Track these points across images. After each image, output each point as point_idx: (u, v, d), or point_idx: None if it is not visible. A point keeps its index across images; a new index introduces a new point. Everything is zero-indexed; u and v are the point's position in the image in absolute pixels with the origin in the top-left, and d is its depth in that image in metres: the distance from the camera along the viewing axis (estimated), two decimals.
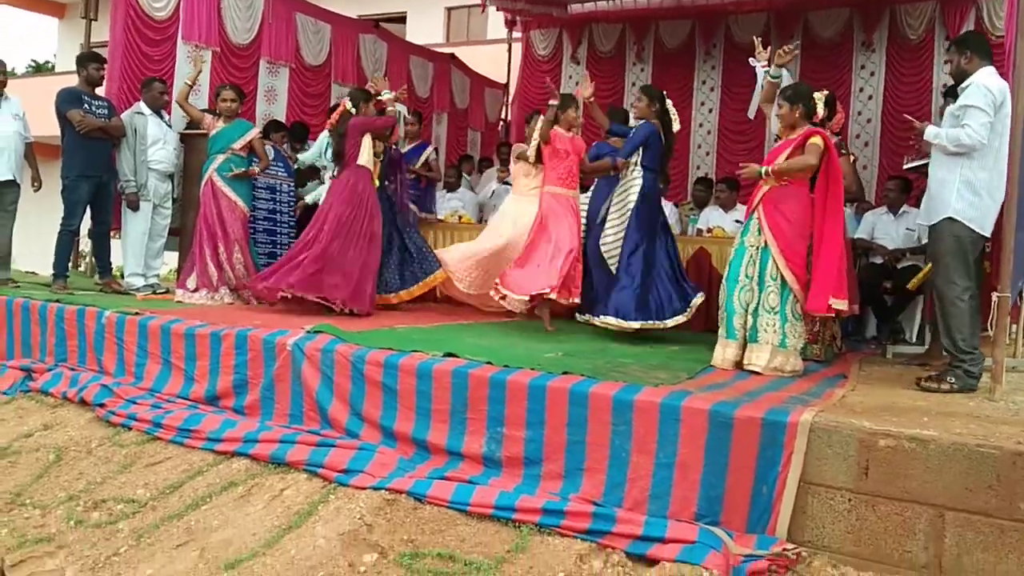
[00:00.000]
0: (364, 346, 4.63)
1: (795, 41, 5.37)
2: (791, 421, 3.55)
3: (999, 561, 3.20)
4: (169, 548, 3.81)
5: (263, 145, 7.09)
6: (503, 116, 12.02)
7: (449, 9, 15.61)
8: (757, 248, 4.82)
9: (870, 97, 9.61)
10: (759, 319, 4.75)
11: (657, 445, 3.76)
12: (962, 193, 4.45)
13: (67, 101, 6.64)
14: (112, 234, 7.22)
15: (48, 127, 8.32)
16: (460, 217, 8.41)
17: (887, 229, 7.17)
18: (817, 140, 4.73)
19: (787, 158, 4.78)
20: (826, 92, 4.98)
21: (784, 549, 3.40)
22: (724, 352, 4.90)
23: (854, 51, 9.70)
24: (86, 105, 6.68)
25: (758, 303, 4.77)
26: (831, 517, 3.49)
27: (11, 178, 6.86)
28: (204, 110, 7.21)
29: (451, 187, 9.21)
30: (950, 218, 4.47)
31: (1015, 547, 3.18)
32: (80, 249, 8.35)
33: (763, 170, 4.74)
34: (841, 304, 4.67)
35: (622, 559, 3.51)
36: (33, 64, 25.66)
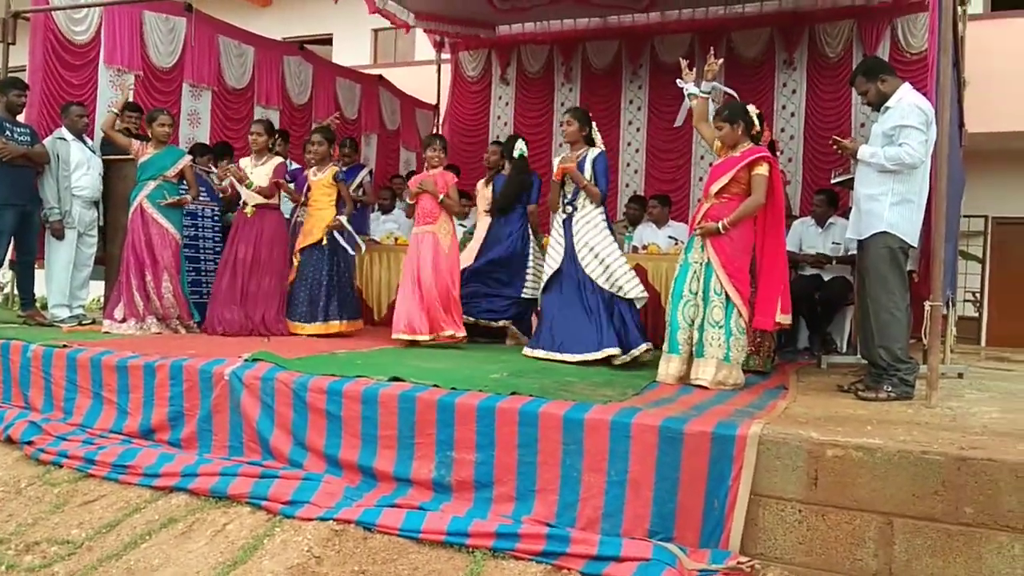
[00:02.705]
0: (305, 373, 4.53)
1: (719, 60, 5.42)
2: (740, 434, 3.58)
3: (947, 565, 3.26)
4: None
5: (193, 172, 6.93)
6: None
7: (376, 30, 15.52)
8: (701, 264, 4.88)
9: (792, 114, 9.88)
10: (705, 334, 4.81)
11: (608, 463, 3.75)
12: (895, 207, 4.59)
13: None
14: (35, 264, 6.96)
15: None
16: (396, 239, 8.34)
17: (813, 241, 7.35)
18: (763, 171, 4.82)
19: (732, 178, 4.86)
20: (757, 111, 5.08)
21: (738, 562, 3.43)
22: (668, 367, 4.94)
23: (776, 69, 9.97)
24: (7, 132, 6.44)
25: (703, 318, 4.83)
26: (782, 528, 3.52)
27: None
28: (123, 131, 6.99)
29: (386, 209, 9.14)
30: (884, 231, 4.60)
31: (962, 551, 3.25)
32: None
33: (720, 225, 4.80)
34: (786, 319, 4.81)
35: None
36: None
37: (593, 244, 5.76)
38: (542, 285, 6.11)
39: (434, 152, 6.49)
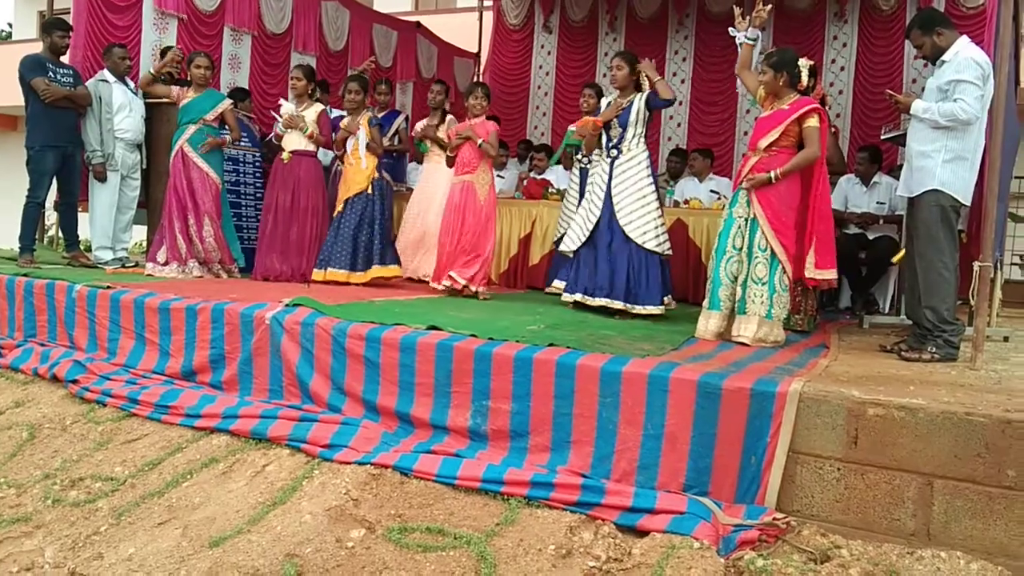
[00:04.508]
0: (345, 319, 4.56)
1: (767, 6, 5.27)
2: (780, 391, 3.55)
3: (987, 528, 3.23)
4: (151, 526, 3.73)
5: (234, 116, 6.94)
6: None
7: None
8: (745, 219, 4.81)
9: (842, 68, 9.63)
10: (747, 290, 4.75)
11: (645, 416, 3.75)
12: (948, 164, 4.48)
13: (31, 69, 6.43)
14: (79, 207, 7.04)
15: (3, 97, 8.09)
16: None
17: (858, 200, 7.22)
18: (814, 123, 4.72)
19: (783, 132, 4.76)
20: (810, 62, 4.95)
21: (774, 519, 3.41)
22: (707, 323, 4.90)
23: (826, 22, 9.70)
24: (50, 73, 6.48)
25: (747, 274, 4.77)
26: (820, 486, 3.50)
27: None
28: (157, 76, 6.99)
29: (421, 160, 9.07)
30: (935, 189, 4.49)
31: (1002, 514, 3.21)
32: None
33: (772, 175, 4.71)
34: (823, 275, 4.76)
35: (612, 530, 3.50)
36: None
37: (632, 191, 5.68)
38: (584, 230, 5.91)
39: (476, 100, 6.43)
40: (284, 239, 6.80)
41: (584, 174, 6.55)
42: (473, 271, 6.24)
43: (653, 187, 5.74)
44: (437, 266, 6.43)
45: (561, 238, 6.72)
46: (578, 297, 5.79)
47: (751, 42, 5.23)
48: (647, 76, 5.76)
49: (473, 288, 6.24)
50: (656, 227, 5.65)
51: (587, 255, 5.79)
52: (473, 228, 6.26)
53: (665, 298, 5.76)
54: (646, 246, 5.60)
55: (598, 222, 5.74)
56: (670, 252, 5.82)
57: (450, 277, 6.25)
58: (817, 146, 4.71)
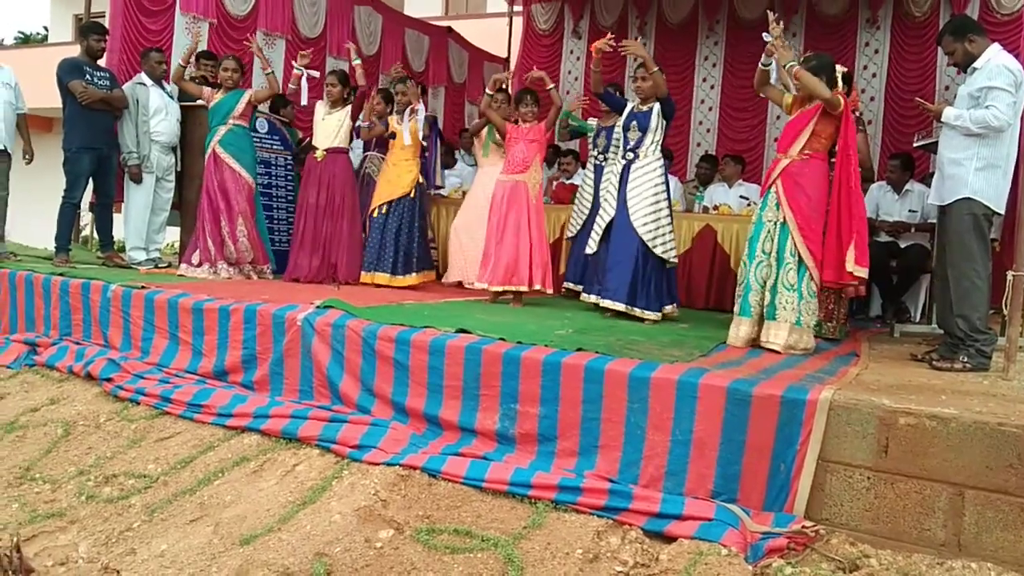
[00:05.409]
0: (375, 322, 4.60)
1: (785, 28, 5.26)
2: (810, 399, 3.54)
3: (1019, 540, 3.20)
4: (182, 523, 3.78)
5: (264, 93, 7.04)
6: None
7: None
8: (775, 223, 4.78)
9: (874, 75, 9.57)
10: (777, 296, 4.72)
11: (673, 422, 3.74)
12: (980, 172, 4.44)
13: (68, 72, 6.54)
14: (114, 208, 7.14)
15: (39, 99, 8.21)
16: (463, 192, 8.34)
17: (890, 208, 7.15)
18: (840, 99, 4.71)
19: (813, 132, 4.73)
20: (844, 69, 4.93)
21: (803, 527, 3.40)
22: (738, 330, 4.88)
23: (858, 28, 9.65)
24: (87, 76, 6.59)
25: (776, 279, 4.75)
26: (849, 495, 3.49)
27: (2, 148, 6.73)
28: (194, 78, 7.11)
29: (447, 164, 9.12)
30: (967, 198, 4.46)
31: None
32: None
33: (788, 66, 4.79)
34: (861, 271, 4.67)
35: (639, 536, 3.50)
36: (21, 35, 25.39)
37: (647, 195, 5.73)
38: (598, 232, 6.02)
39: (527, 108, 6.39)
40: (316, 236, 6.87)
41: (599, 171, 6.57)
42: (543, 272, 6.25)
43: (666, 195, 5.83)
44: (497, 265, 6.20)
45: (576, 235, 6.76)
46: (594, 299, 5.90)
47: (766, 68, 5.22)
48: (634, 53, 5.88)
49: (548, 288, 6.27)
50: (665, 234, 5.77)
51: (602, 256, 5.91)
52: (537, 228, 6.27)
53: (667, 307, 5.86)
54: (655, 251, 5.70)
55: (611, 222, 5.84)
56: (675, 261, 5.93)
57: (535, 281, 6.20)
58: (837, 97, 4.67)
